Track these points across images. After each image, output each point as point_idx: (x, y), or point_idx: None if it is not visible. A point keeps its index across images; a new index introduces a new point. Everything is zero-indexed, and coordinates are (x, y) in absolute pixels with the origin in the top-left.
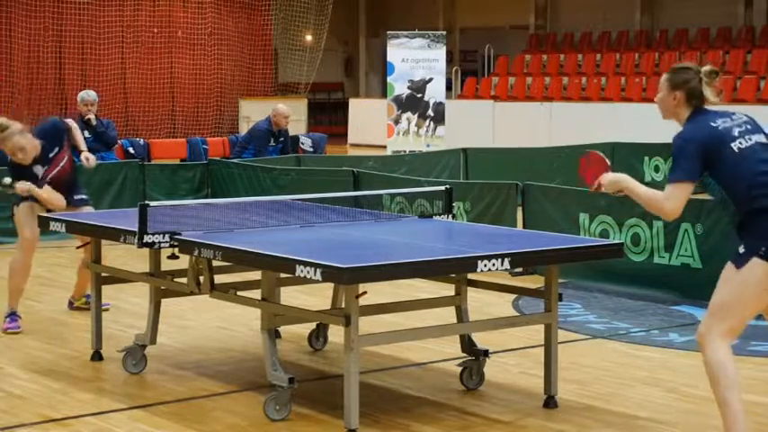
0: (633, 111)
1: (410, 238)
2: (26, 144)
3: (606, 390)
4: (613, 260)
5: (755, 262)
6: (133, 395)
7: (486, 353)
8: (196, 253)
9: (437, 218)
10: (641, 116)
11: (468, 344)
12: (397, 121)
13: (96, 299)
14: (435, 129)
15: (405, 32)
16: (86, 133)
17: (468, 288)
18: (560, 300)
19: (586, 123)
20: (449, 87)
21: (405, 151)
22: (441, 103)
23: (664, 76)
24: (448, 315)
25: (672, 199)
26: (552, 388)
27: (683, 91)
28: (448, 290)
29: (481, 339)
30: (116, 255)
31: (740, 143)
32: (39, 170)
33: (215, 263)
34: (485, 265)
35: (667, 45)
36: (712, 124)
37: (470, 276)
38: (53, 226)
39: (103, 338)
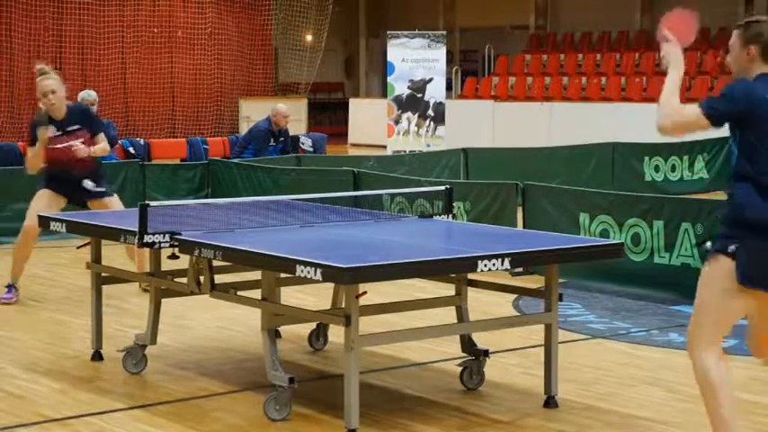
0: (633, 111)
1: (410, 238)
2: (58, 90)
3: (606, 389)
4: (613, 260)
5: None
6: (133, 395)
7: (486, 353)
8: (196, 253)
9: (437, 218)
10: (641, 116)
11: (468, 344)
12: (397, 121)
13: (96, 299)
14: (435, 129)
15: (405, 32)
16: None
17: (469, 288)
18: (560, 300)
19: (586, 123)
20: (449, 87)
21: (405, 151)
22: (441, 103)
23: (734, 33)
24: (448, 315)
25: (681, 121)
26: (552, 388)
27: (758, 45)
28: (448, 290)
29: (481, 339)
30: (117, 254)
31: None
32: (52, 131)
33: (215, 263)
34: (485, 265)
35: None
36: (759, 90)
37: (470, 276)
38: (53, 226)
39: (104, 338)
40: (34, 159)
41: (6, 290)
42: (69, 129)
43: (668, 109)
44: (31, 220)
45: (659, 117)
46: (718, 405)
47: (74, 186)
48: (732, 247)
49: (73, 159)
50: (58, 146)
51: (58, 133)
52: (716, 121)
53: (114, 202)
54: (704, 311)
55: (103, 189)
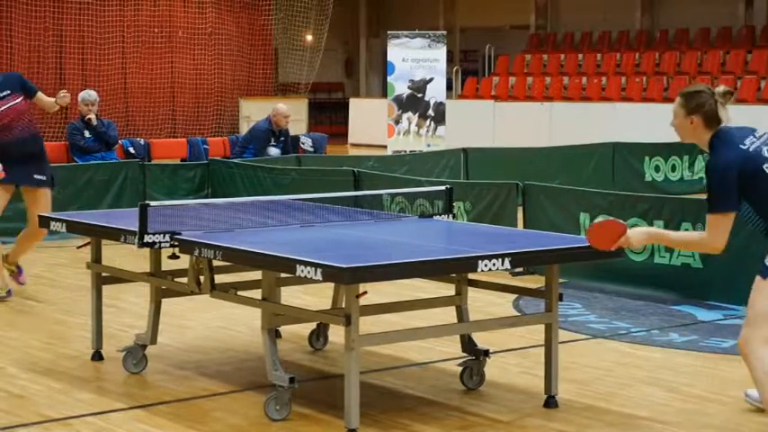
0: (633, 111)
1: (410, 237)
2: None
3: (606, 389)
4: (614, 260)
5: None
6: (134, 395)
7: (486, 353)
8: (196, 253)
9: (437, 218)
10: (641, 116)
11: (468, 344)
12: (397, 121)
13: (96, 299)
14: (436, 129)
15: (405, 32)
16: (87, 133)
17: (469, 288)
18: (561, 300)
19: (587, 123)
20: (449, 87)
21: (405, 151)
22: (441, 103)
23: (677, 101)
24: (448, 315)
25: (718, 233)
26: (552, 388)
27: (699, 115)
28: (448, 290)
29: (481, 339)
30: (117, 255)
31: None
32: None
33: (215, 263)
34: (485, 265)
35: (668, 45)
36: (743, 147)
37: (471, 276)
38: (54, 226)
39: (104, 338)
40: None
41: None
42: (2, 94)
43: (702, 243)
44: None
45: (708, 251)
46: None
47: (23, 166)
48: None
49: (13, 122)
50: (3, 106)
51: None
52: (737, 206)
53: (48, 195)
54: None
55: (44, 178)
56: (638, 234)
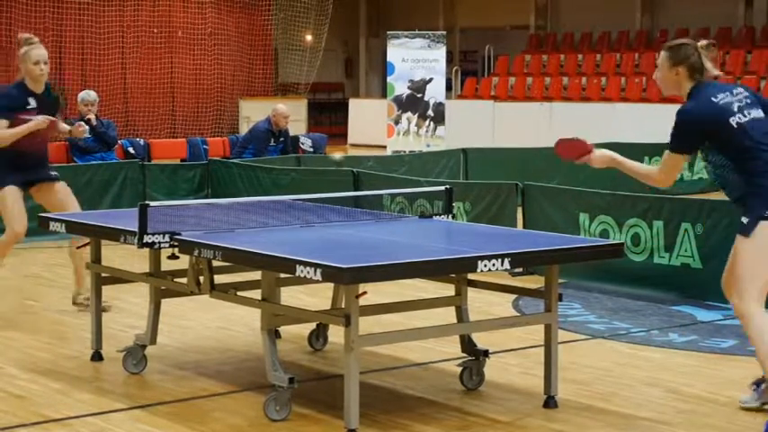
0: (633, 111)
1: (410, 238)
2: (48, 62)
3: (606, 390)
4: (613, 260)
5: (763, 224)
6: (133, 395)
7: (486, 353)
8: (196, 253)
9: (437, 218)
10: (641, 116)
11: (468, 344)
12: (397, 122)
13: (96, 299)
14: (435, 129)
15: (405, 32)
16: (87, 133)
17: (469, 288)
18: (560, 300)
19: (586, 123)
20: (449, 87)
21: (405, 151)
22: (441, 104)
23: (663, 54)
24: (448, 315)
25: (664, 168)
26: (552, 388)
27: (684, 66)
28: (448, 290)
29: (481, 339)
30: (117, 255)
31: (739, 118)
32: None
33: (215, 263)
34: (485, 266)
35: None
36: (713, 99)
37: (470, 276)
38: (53, 226)
39: (104, 338)
40: (12, 138)
41: None
42: (47, 104)
43: (649, 173)
44: (20, 226)
45: (652, 183)
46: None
47: (28, 168)
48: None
49: (46, 137)
50: (34, 118)
51: (36, 107)
52: (688, 150)
53: (65, 186)
54: (759, 271)
55: (56, 172)
56: (601, 156)
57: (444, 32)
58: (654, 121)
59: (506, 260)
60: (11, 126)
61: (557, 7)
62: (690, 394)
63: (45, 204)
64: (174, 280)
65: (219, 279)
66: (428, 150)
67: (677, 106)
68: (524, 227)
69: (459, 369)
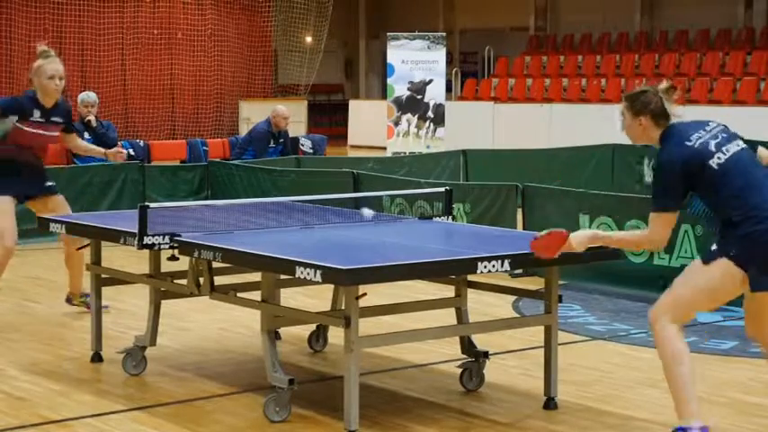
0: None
1: (410, 239)
2: (64, 77)
3: (606, 391)
4: (613, 261)
5: (723, 261)
6: (133, 396)
7: (485, 354)
8: (196, 254)
9: (437, 219)
10: None
11: (468, 345)
12: (396, 123)
13: (96, 299)
14: (435, 130)
15: (405, 34)
16: (86, 135)
17: (468, 289)
18: (560, 301)
19: (586, 125)
20: (449, 89)
21: (405, 153)
22: (441, 105)
23: (623, 104)
24: (448, 316)
25: (658, 229)
26: (552, 389)
27: (647, 115)
28: (448, 291)
29: (481, 341)
30: (116, 256)
31: (718, 158)
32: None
33: (215, 264)
34: (485, 267)
35: (667, 46)
36: (688, 144)
37: (470, 278)
38: (53, 227)
39: (103, 340)
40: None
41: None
42: (53, 119)
43: (642, 240)
44: (11, 240)
45: (648, 248)
46: (683, 366)
47: (24, 179)
48: (734, 252)
49: (44, 149)
50: (40, 132)
51: (41, 120)
52: (678, 203)
53: (64, 200)
54: (695, 302)
55: (53, 183)
56: (580, 237)
57: (444, 34)
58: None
59: (506, 261)
60: (11, 133)
61: (556, 8)
62: None
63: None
64: (174, 281)
65: (219, 280)
66: (428, 152)
67: (678, 107)
68: (524, 228)
69: (460, 370)
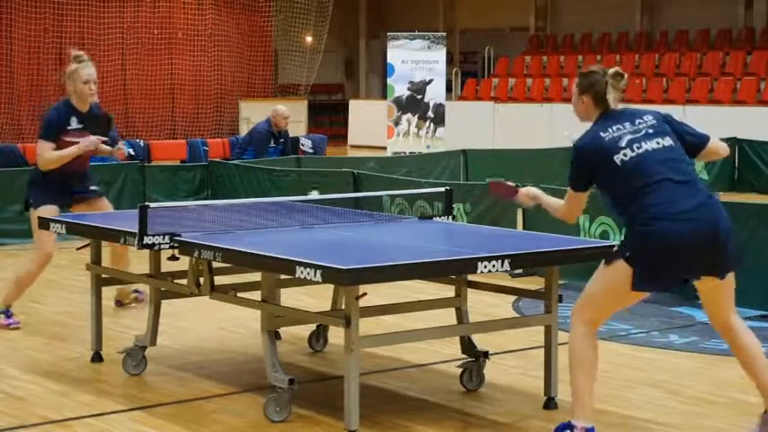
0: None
1: (410, 239)
2: (97, 81)
3: (606, 391)
4: None
5: (620, 262)
6: (133, 396)
7: (486, 354)
8: (196, 254)
9: (437, 219)
10: None
11: (468, 345)
12: (397, 123)
13: (96, 300)
14: (435, 130)
15: (405, 34)
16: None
17: (468, 289)
18: (560, 301)
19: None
20: (449, 89)
21: (405, 153)
22: (441, 105)
23: (575, 81)
24: (448, 316)
25: (566, 206)
26: (552, 389)
27: (589, 95)
28: (448, 291)
29: (481, 341)
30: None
31: (624, 154)
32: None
33: (215, 264)
34: (485, 267)
35: (667, 46)
36: (601, 134)
37: (470, 278)
38: (53, 227)
39: (103, 340)
40: (60, 161)
41: (5, 315)
42: (88, 125)
43: (557, 209)
44: (50, 247)
45: (561, 218)
46: (584, 377)
47: (71, 187)
48: (629, 253)
49: (87, 157)
50: (80, 140)
51: (80, 126)
52: (580, 188)
53: (107, 202)
54: (598, 302)
55: (98, 187)
56: (526, 193)
57: (444, 34)
58: None
59: (506, 261)
60: (57, 148)
61: (556, 8)
62: (690, 395)
63: None
64: (174, 281)
65: (219, 280)
66: (428, 152)
67: (677, 108)
68: (524, 228)
69: (460, 370)
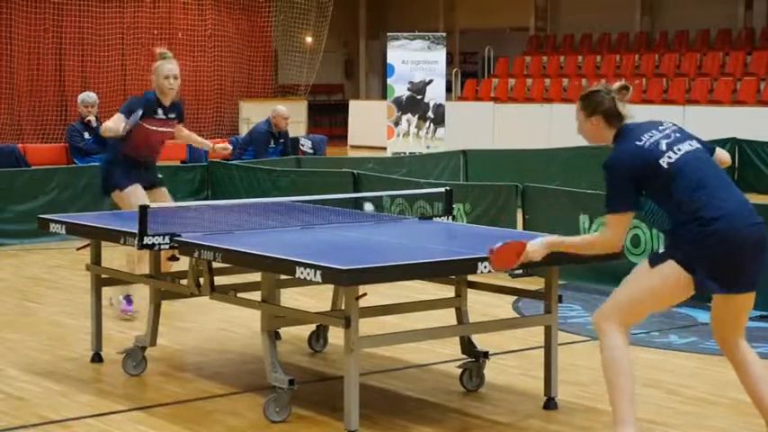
0: (633, 112)
1: (410, 239)
2: (179, 77)
3: (606, 391)
4: (613, 262)
5: (670, 263)
6: (133, 397)
7: (486, 354)
8: (196, 254)
9: (437, 219)
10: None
11: (468, 345)
12: (397, 123)
13: (96, 300)
14: (435, 130)
15: (405, 34)
16: (87, 135)
17: (468, 290)
18: (560, 301)
19: None
20: (449, 89)
21: (405, 153)
22: (441, 105)
23: (577, 106)
24: (448, 317)
25: (611, 231)
26: (552, 389)
27: (599, 115)
28: (448, 291)
29: (481, 341)
30: (117, 256)
31: (669, 157)
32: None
33: (215, 264)
34: (485, 267)
35: (667, 47)
36: (638, 143)
37: (470, 278)
38: (53, 227)
39: (103, 340)
40: (115, 131)
41: (126, 302)
42: (170, 116)
43: (596, 244)
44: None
45: (603, 251)
46: (624, 377)
47: (146, 172)
48: (680, 255)
49: (162, 144)
50: (161, 129)
51: (163, 117)
52: (630, 205)
53: (168, 193)
54: (641, 304)
55: (161, 176)
56: (537, 246)
57: (444, 34)
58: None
59: None
60: (137, 130)
61: (556, 9)
62: (690, 396)
63: None
64: (174, 281)
65: (219, 281)
66: (428, 152)
67: (678, 108)
68: (524, 228)
69: (460, 371)
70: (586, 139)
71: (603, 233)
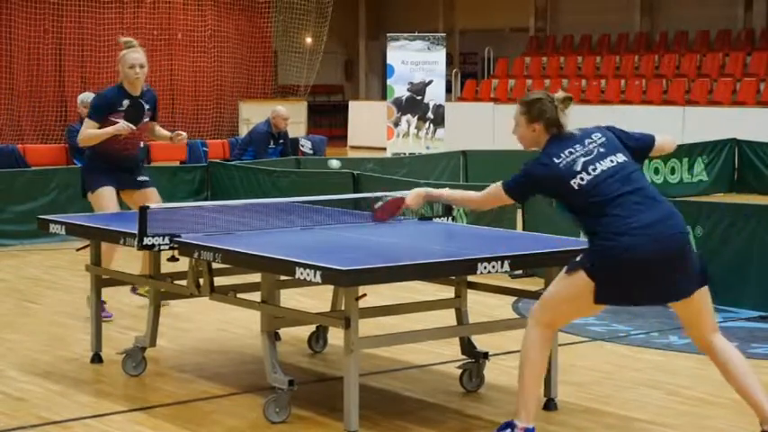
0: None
1: (410, 240)
2: (145, 65)
3: (606, 392)
4: None
5: (580, 273)
6: (133, 397)
7: (485, 355)
8: (196, 255)
9: (437, 220)
10: (640, 118)
11: (467, 346)
12: (396, 124)
13: (96, 301)
14: (435, 131)
15: (404, 35)
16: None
17: (468, 290)
18: None
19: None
20: (448, 89)
21: (404, 153)
22: (440, 106)
23: (518, 110)
24: (448, 317)
25: (489, 198)
26: (552, 390)
27: (541, 122)
28: (448, 292)
29: (481, 342)
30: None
31: (581, 179)
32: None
33: (215, 265)
34: (485, 268)
35: (667, 47)
36: (555, 160)
37: (470, 279)
38: (53, 228)
39: (103, 341)
40: (95, 140)
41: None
42: (143, 105)
43: (471, 199)
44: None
45: (471, 207)
46: (533, 377)
47: (125, 173)
48: (589, 265)
49: (138, 140)
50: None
51: (125, 109)
52: (517, 198)
53: (155, 193)
54: (557, 307)
55: (147, 178)
56: (414, 196)
57: (444, 34)
58: (653, 123)
59: (506, 262)
60: (101, 128)
61: (556, 9)
62: (690, 396)
63: (133, 208)
64: (174, 282)
65: (219, 281)
66: (428, 152)
67: (678, 108)
68: (524, 229)
69: (459, 371)
70: (521, 143)
71: (485, 198)
